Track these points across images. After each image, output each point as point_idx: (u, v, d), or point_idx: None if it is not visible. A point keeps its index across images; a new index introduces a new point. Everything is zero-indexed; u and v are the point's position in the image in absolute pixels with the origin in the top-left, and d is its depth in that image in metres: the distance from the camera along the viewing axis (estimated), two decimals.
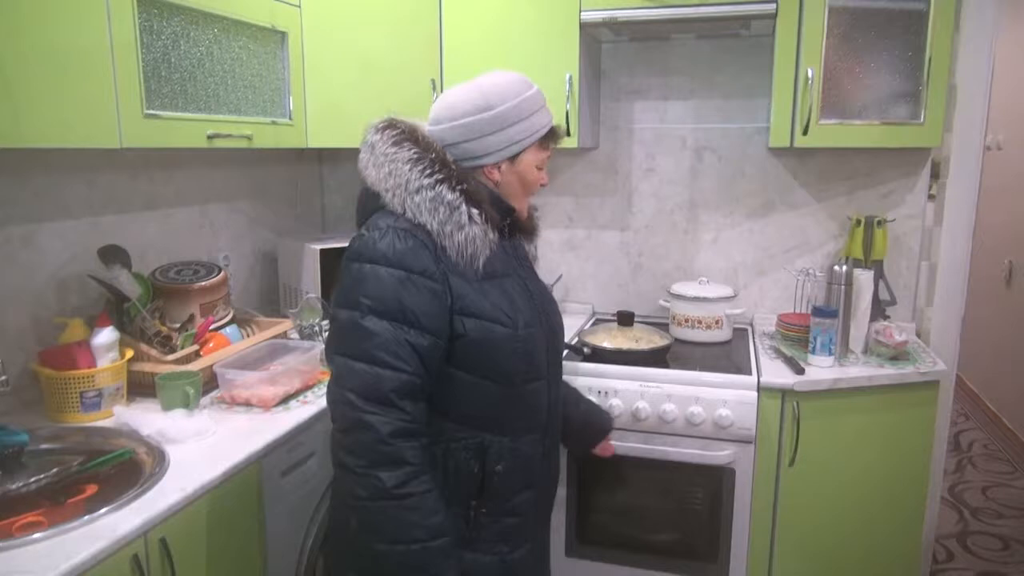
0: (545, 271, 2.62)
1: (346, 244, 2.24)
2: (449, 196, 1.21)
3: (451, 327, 1.23)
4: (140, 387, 1.71)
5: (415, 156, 1.23)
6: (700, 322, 2.27)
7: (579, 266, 2.64)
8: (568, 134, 2.15)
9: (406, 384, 1.16)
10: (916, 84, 2.01)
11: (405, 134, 1.26)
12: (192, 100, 1.67)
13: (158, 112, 1.56)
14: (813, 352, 2.01)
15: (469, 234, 1.22)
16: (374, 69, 2.15)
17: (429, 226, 1.22)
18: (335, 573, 1.38)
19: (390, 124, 1.28)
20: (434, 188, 1.21)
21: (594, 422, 1.69)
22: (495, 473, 1.30)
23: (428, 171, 1.22)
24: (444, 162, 1.24)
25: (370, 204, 1.29)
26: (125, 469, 1.38)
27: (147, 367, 1.70)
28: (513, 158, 1.30)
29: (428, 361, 1.19)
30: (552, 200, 2.61)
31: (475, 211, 1.23)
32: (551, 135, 1.34)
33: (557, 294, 2.62)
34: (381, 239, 1.20)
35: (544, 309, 1.38)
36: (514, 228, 1.40)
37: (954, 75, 2.16)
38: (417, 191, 1.21)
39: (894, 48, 2.02)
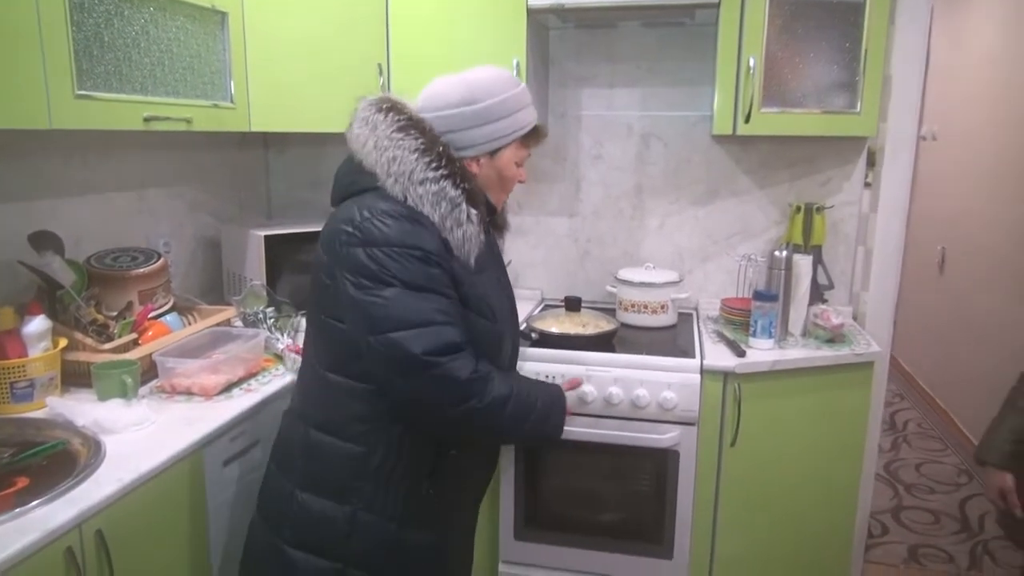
0: None
1: (293, 230, 2.25)
2: (452, 193, 1.24)
3: None
4: (76, 377, 1.66)
5: (422, 147, 1.24)
6: (646, 307, 2.31)
7: (528, 252, 2.65)
8: None
9: (464, 335, 1.24)
10: (853, 74, 2.07)
11: (412, 121, 1.26)
12: (127, 81, 1.62)
13: (91, 93, 1.51)
14: (754, 335, 2.06)
15: (467, 232, 1.26)
16: (320, 53, 2.12)
17: (432, 217, 1.24)
18: (267, 536, 1.38)
19: (393, 106, 1.28)
20: (439, 183, 1.23)
21: None
22: (449, 456, 1.34)
23: (435, 165, 1.24)
24: (450, 158, 1.27)
25: (359, 181, 1.28)
26: (59, 461, 1.35)
27: (83, 356, 1.66)
28: (493, 153, 1.33)
29: (458, 320, 1.26)
30: None
31: (473, 211, 1.26)
32: (533, 134, 1.36)
33: None
34: (393, 223, 1.22)
35: (512, 304, 1.46)
36: (490, 224, 1.43)
37: (889, 66, 2.22)
38: (421, 183, 1.23)
39: (832, 39, 2.07)
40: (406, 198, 1.24)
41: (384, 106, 1.27)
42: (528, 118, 1.34)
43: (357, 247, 1.21)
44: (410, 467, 1.31)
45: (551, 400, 1.39)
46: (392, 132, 1.24)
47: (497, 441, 1.53)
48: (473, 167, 1.32)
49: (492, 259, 1.41)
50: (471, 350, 1.25)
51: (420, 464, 1.32)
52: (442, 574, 1.45)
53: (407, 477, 1.31)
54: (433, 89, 1.32)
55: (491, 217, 1.41)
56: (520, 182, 1.41)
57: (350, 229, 1.23)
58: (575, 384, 1.65)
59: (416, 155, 1.23)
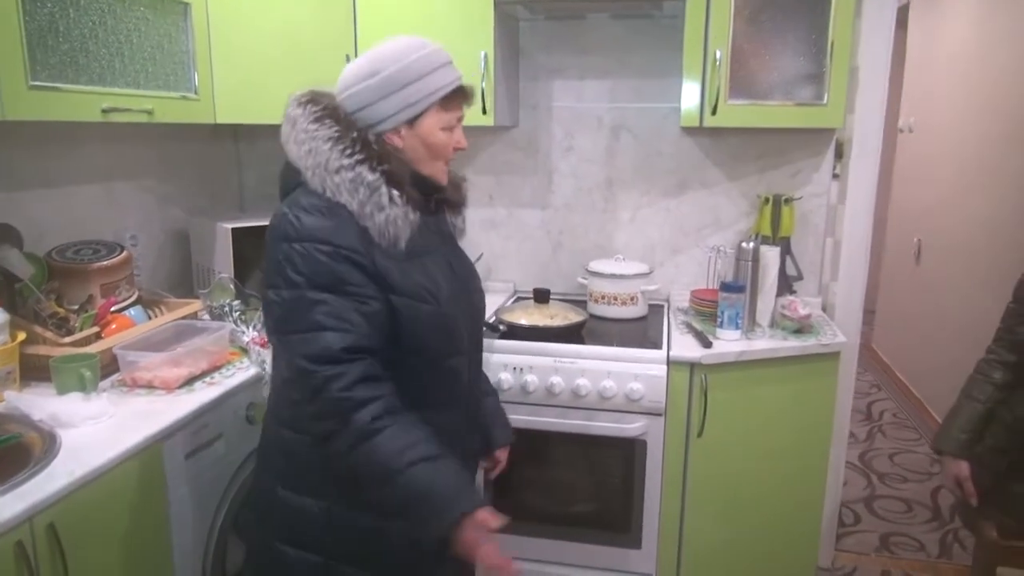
0: (468, 249, 2.62)
1: (261, 223, 2.23)
2: (369, 177, 1.20)
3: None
4: (36, 371, 1.64)
5: (336, 135, 1.21)
6: (616, 299, 2.31)
7: (501, 244, 2.65)
8: (484, 112, 2.15)
9: (352, 343, 1.16)
10: (820, 66, 2.07)
11: (327, 110, 1.23)
12: (84, 72, 1.60)
13: (45, 83, 1.49)
14: (721, 326, 2.07)
15: (390, 216, 1.20)
16: (287, 44, 2.11)
17: (350, 206, 1.20)
18: (260, 532, 1.37)
19: (312, 98, 1.25)
20: (354, 169, 1.19)
21: (493, 430, 1.61)
22: None
23: (348, 151, 1.20)
24: (365, 142, 1.22)
25: (291, 180, 1.27)
26: (12, 455, 1.33)
27: (42, 350, 1.64)
28: (412, 122, 1.26)
29: (375, 324, 1.19)
30: (473, 179, 2.60)
31: (395, 192, 1.21)
32: (456, 96, 1.29)
33: (479, 272, 2.64)
34: (306, 217, 1.18)
35: (466, 286, 1.38)
36: (440, 202, 1.38)
37: (856, 58, 2.23)
38: (337, 171, 1.19)
39: (799, 31, 2.08)
40: (324, 190, 1.21)
41: (304, 100, 1.25)
42: (443, 80, 1.26)
43: (273, 243, 1.21)
44: None
45: (448, 508, 1.14)
46: (308, 124, 1.22)
47: (465, 432, 1.42)
48: (396, 140, 1.26)
49: (438, 240, 1.36)
50: (365, 364, 1.17)
51: None
52: (429, 563, 1.40)
53: None
54: (344, 71, 1.28)
55: (435, 195, 1.35)
56: (459, 149, 1.33)
57: (272, 225, 1.22)
58: (501, 567, 1.15)
59: (330, 144, 1.20)
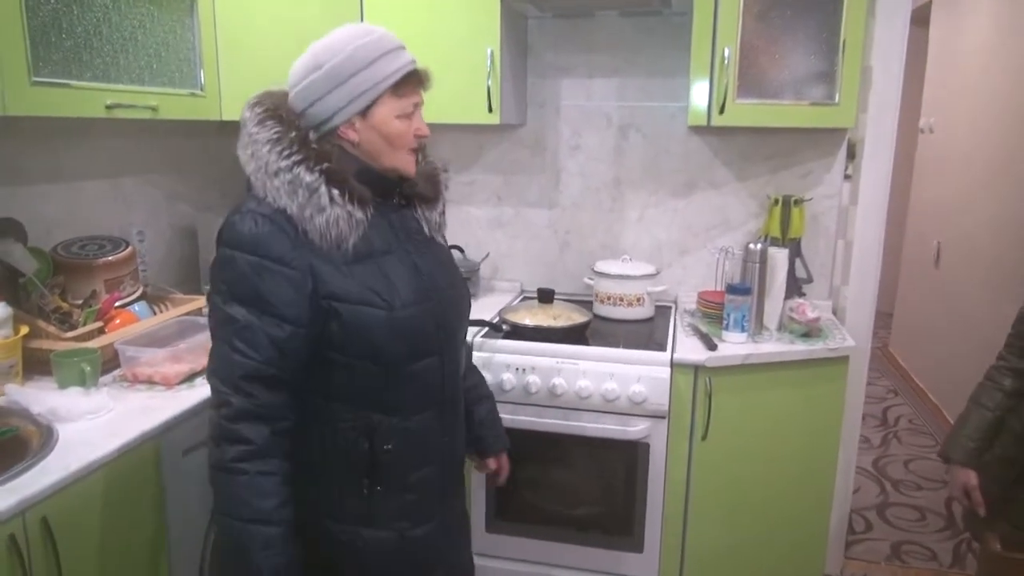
0: (474, 249, 2.62)
1: None
2: (308, 178, 1.15)
3: (320, 312, 1.19)
4: (39, 365, 1.65)
5: (275, 136, 1.17)
6: (622, 299, 2.29)
7: (507, 244, 2.64)
8: (490, 110, 2.14)
9: (253, 372, 1.15)
10: (831, 65, 2.04)
11: (269, 111, 1.19)
12: (88, 68, 1.61)
13: (49, 79, 1.50)
14: (727, 329, 2.05)
15: (331, 216, 1.16)
16: (295, 41, 2.04)
17: (289, 210, 1.16)
18: None
19: (260, 101, 1.22)
20: (291, 171, 1.15)
21: (484, 437, 1.57)
22: (385, 451, 1.27)
23: (286, 152, 1.16)
24: (304, 141, 1.18)
25: (247, 185, 1.23)
26: (9, 448, 1.34)
27: (45, 344, 1.65)
28: (365, 112, 1.22)
29: (287, 349, 1.17)
30: (480, 178, 2.60)
31: (335, 191, 1.16)
32: (408, 80, 1.22)
33: (485, 272, 2.64)
34: (240, 223, 1.16)
35: (435, 284, 1.31)
36: (407, 196, 1.33)
37: (869, 57, 2.19)
38: (275, 174, 1.16)
39: (810, 29, 2.04)
40: (266, 194, 1.17)
41: (253, 102, 1.23)
42: (391, 66, 1.20)
43: (217, 244, 1.19)
44: (349, 465, 1.26)
45: (249, 545, 1.16)
46: (252, 128, 1.19)
47: (441, 436, 1.37)
48: (351, 134, 1.22)
49: (399, 238, 1.29)
50: (255, 402, 1.15)
51: (357, 462, 1.26)
52: (423, 571, 1.39)
53: (348, 475, 1.27)
54: (292, 67, 1.25)
55: (398, 189, 1.30)
56: (420, 136, 1.27)
57: (220, 227, 1.20)
58: None
59: (268, 146, 1.17)
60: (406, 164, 1.28)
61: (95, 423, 1.46)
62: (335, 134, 1.23)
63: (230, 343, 1.15)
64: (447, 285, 1.35)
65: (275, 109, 1.21)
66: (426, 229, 1.35)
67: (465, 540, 1.54)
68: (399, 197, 1.32)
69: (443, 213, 1.40)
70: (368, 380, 1.24)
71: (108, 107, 1.65)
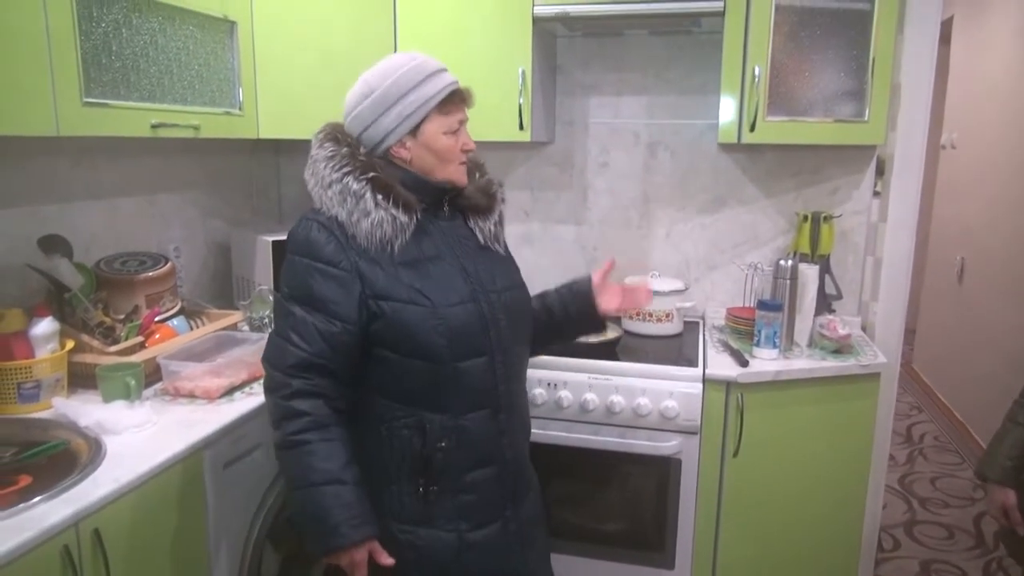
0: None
1: None
2: (355, 186, 1.27)
3: (368, 310, 1.29)
4: (84, 379, 1.69)
5: (330, 154, 1.31)
6: (651, 315, 2.30)
7: (535, 260, 2.66)
8: (521, 128, 2.17)
9: (304, 361, 1.27)
10: (860, 83, 2.05)
11: (328, 135, 1.33)
12: (135, 89, 1.65)
13: (99, 100, 1.54)
14: (758, 345, 2.05)
15: (375, 219, 1.27)
16: (329, 62, 2.14)
17: (340, 217, 1.29)
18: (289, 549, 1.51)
19: (323, 128, 1.36)
20: (341, 181, 1.28)
21: (577, 290, 1.63)
22: (438, 450, 1.32)
23: (337, 166, 1.29)
24: (353, 155, 1.30)
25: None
26: (60, 460, 1.37)
27: (89, 358, 1.69)
28: (414, 131, 1.33)
29: (336, 344, 1.28)
30: (509, 194, 2.57)
31: (380, 196, 1.27)
32: (451, 99, 1.33)
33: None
34: (298, 230, 1.31)
35: (483, 286, 1.36)
36: (457, 207, 1.41)
37: (898, 74, 2.20)
38: (329, 186, 1.29)
39: (839, 47, 2.06)
40: (322, 205, 1.31)
41: (317, 131, 1.36)
42: (435, 87, 1.32)
43: (286, 250, 1.34)
44: (404, 464, 1.33)
45: (330, 536, 1.25)
46: (314, 151, 1.34)
47: (499, 437, 1.39)
48: (403, 152, 1.34)
49: (449, 244, 1.37)
50: (309, 382, 1.27)
51: (412, 461, 1.32)
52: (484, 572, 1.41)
53: (404, 474, 1.33)
54: (345, 97, 1.37)
55: (448, 197, 1.39)
56: (466, 151, 1.37)
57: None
58: None
59: (324, 163, 1.31)
60: (458, 175, 1.38)
61: (140, 436, 1.49)
62: (389, 154, 1.34)
63: (286, 335, 1.28)
64: (501, 288, 1.40)
65: (332, 133, 1.34)
66: (480, 238, 1.43)
67: (537, 554, 1.51)
68: (448, 207, 1.40)
69: (499, 223, 1.47)
70: (418, 377, 1.32)
71: (153, 126, 1.69)
